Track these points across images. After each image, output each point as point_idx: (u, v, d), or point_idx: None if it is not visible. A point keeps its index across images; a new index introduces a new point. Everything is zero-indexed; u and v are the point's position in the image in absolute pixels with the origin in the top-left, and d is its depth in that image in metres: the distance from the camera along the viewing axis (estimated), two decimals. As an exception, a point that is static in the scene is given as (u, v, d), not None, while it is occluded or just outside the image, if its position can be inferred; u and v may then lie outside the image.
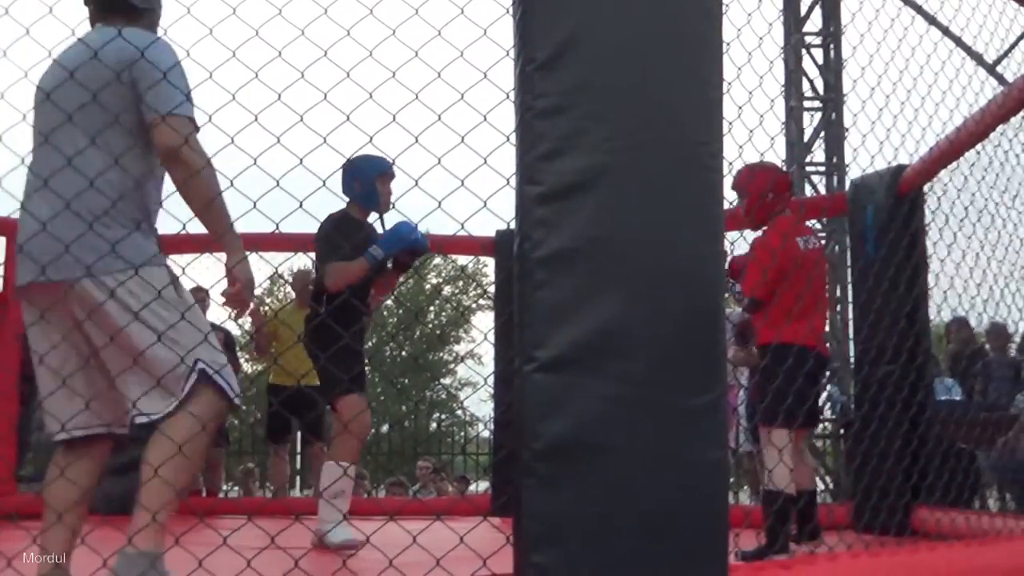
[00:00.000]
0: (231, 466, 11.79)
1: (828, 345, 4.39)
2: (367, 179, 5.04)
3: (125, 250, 2.80)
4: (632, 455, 2.16)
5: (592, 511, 2.14)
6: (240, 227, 2.89)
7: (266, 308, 13.87)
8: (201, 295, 7.80)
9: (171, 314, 2.81)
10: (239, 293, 2.92)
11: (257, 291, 2.95)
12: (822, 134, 10.81)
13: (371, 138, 2.63)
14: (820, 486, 10.59)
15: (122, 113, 2.85)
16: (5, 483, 6.98)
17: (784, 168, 5.17)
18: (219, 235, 2.91)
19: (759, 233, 4.92)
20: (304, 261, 13.95)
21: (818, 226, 10.30)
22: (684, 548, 2.18)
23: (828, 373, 8.73)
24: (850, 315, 6.84)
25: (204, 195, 2.84)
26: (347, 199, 5.17)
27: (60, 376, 2.86)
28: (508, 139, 2.39)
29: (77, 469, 2.88)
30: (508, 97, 2.39)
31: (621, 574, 2.13)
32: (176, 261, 2.97)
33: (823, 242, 4.24)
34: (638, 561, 2.14)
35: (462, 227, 2.66)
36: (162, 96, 2.82)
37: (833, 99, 10.71)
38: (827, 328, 3.99)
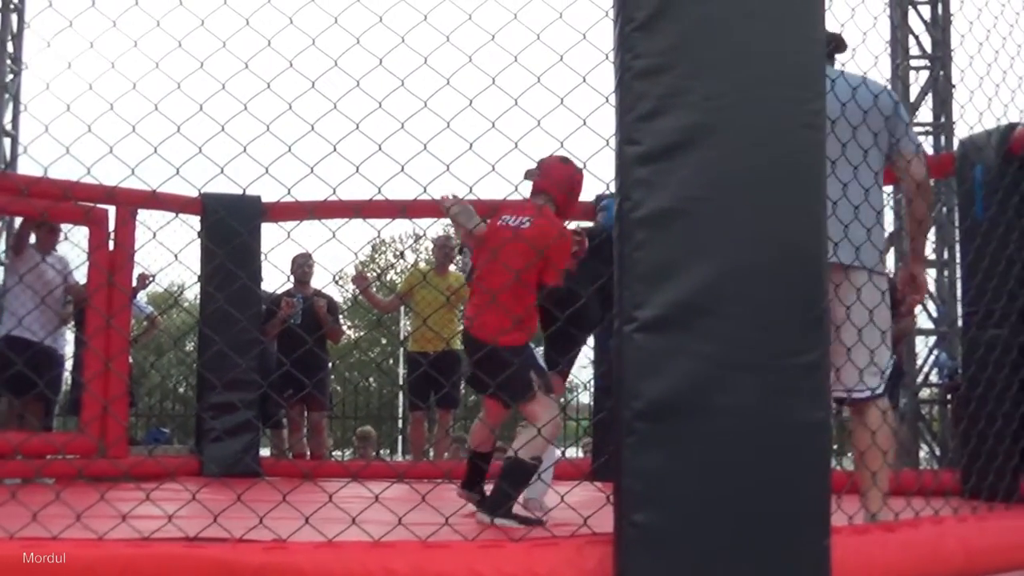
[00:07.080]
0: (336, 430, 12.00)
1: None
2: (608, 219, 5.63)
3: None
4: (733, 415, 2.16)
5: (692, 471, 2.15)
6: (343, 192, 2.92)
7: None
8: (307, 261, 7.92)
9: None
10: None
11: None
12: (929, 93, 10.55)
13: (471, 101, 2.64)
14: (925, 451, 10.41)
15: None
16: (118, 445, 7.13)
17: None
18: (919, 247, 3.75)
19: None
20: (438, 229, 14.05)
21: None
22: (785, 509, 2.18)
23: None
24: (957, 276, 6.67)
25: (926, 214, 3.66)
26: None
27: None
28: (607, 100, 2.39)
29: None
30: (607, 58, 2.39)
31: (721, 534, 2.14)
32: (283, 226, 3.02)
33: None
34: (738, 521, 2.14)
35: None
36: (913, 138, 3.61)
37: (940, 57, 10.44)
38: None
